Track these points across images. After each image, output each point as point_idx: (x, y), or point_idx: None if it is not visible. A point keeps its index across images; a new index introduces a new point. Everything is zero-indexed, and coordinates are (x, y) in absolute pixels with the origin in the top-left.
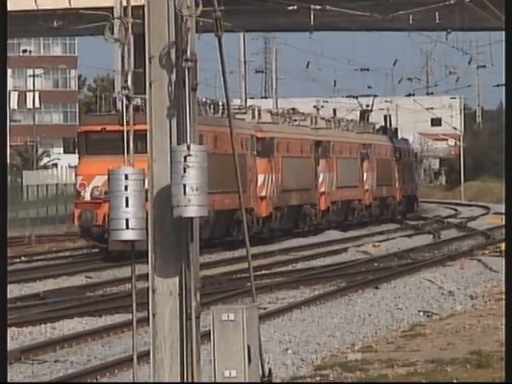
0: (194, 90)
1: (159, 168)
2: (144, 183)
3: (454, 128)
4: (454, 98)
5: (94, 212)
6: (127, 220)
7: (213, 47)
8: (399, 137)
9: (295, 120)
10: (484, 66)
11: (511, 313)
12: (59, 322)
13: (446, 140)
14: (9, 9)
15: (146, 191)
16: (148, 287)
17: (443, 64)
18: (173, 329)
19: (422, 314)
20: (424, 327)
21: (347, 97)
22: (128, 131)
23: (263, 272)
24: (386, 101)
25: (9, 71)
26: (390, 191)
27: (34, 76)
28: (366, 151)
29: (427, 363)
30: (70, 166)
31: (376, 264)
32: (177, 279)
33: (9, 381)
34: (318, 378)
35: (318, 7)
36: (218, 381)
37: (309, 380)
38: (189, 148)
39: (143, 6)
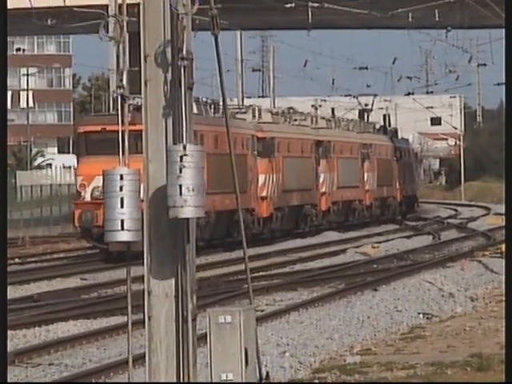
0: (190, 89)
1: (155, 168)
2: (140, 183)
3: (454, 127)
4: (454, 97)
5: (95, 213)
6: (122, 221)
7: (209, 45)
8: (399, 136)
9: (295, 120)
10: (484, 65)
11: (511, 313)
12: (54, 324)
13: (446, 139)
14: None
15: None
16: (143, 289)
17: (443, 62)
18: (169, 331)
19: (421, 316)
20: (424, 329)
21: (346, 96)
22: (123, 131)
23: (260, 274)
24: (385, 100)
25: None
26: (391, 191)
27: (27, 75)
28: (367, 151)
29: (427, 366)
30: (64, 167)
31: (375, 265)
32: (173, 281)
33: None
34: (316, 382)
35: (316, 5)
36: None
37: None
38: (185, 148)
39: (138, 4)
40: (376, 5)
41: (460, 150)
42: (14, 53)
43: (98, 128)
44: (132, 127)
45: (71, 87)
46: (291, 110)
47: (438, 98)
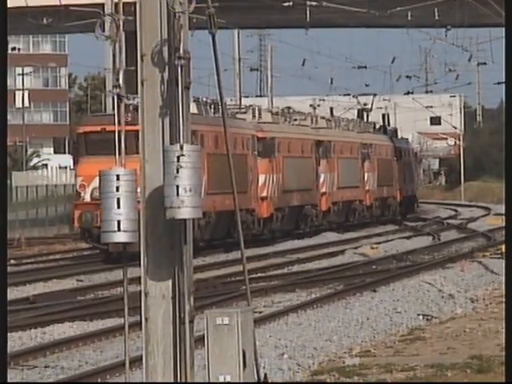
0: (187, 89)
1: (151, 168)
2: (136, 184)
3: (454, 127)
4: (454, 96)
5: (94, 213)
6: (119, 222)
7: (206, 45)
8: (399, 136)
9: (295, 119)
10: (484, 64)
11: (511, 313)
12: (49, 326)
13: (446, 139)
14: None
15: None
16: (140, 291)
17: (443, 61)
18: (166, 333)
19: (421, 317)
20: (423, 331)
21: (344, 95)
22: (120, 131)
23: (258, 275)
24: (384, 99)
25: None
26: (391, 192)
27: (23, 74)
28: (367, 151)
29: (427, 368)
30: (60, 167)
31: (374, 266)
32: (170, 282)
33: None
34: (312, 382)
35: (314, 3)
36: None
37: None
38: (182, 148)
39: (135, 3)
40: (375, 3)
41: (460, 149)
42: (9, 52)
43: (98, 128)
44: (132, 127)
45: (67, 87)
46: (291, 110)
47: (438, 97)
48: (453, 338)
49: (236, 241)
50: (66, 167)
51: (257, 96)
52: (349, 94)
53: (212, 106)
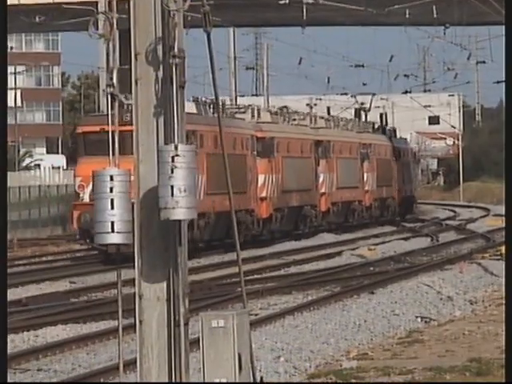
0: (182, 88)
1: (146, 169)
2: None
3: (453, 126)
4: (453, 96)
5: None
6: (113, 223)
7: (201, 43)
8: (398, 136)
9: (294, 119)
10: (483, 62)
11: (511, 313)
12: (42, 329)
13: (445, 139)
14: None
15: None
16: (134, 293)
17: (441, 60)
18: (160, 336)
19: (419, 319)
20: (422, 333)
21: (342, 94)
22: (114, 131)
23: (254, 276)
24: (381, 98)
25: None
26: (390, 192)
27: (15, 73)
28: (366, 151)
29: (425, 371)
30: (53, 167)
31: (372, 268)
32: (164, 284)
33: None
34: (307, 382)
35: (310, 1)
36: None
37: None
38: (176, 148)
39: (129, 1)
40: (372, 1)
41: (458, 149)
42: None
43: (97, 128)
44: (130, 127)
45: (60, 86)
46: (290, 110)
47: (436, 96)
48: (451, 341)
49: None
50: (58, 167)
51: (252, 95)
52: (346, 94)
53: (211, 106)
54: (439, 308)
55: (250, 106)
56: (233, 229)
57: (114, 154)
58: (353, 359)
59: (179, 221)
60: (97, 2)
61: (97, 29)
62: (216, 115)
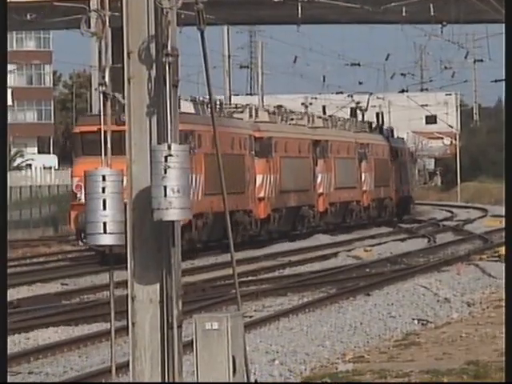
0: (175, 87)
1: (138, 169)
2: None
3: (450, 126)
4: (450, 95)
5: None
6: (105, 224)
7: (195, 41)
8: (395, 136)
9: (292, 119)
10: (481, 61)
11: (511, 313)
12: (33, 331)
13: (442, 138)
14: None
15: None
16: (127, 294)
17: (438, 58)
18: (153, 339)
19: (416, 322)
20: (418, 336)
21: (337, 93)
22: (106, 131)
23: (249, 278)
24: (378, 97)
25: None
26: (388, 192)
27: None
28: (364, 151)
29: (422, 374)
30: (44, 167)
31: (368, 269)
32: (157, 286)
33: None
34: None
35: None
36: None
37: None
38: (170, 148)
39: None
40: None
41: (456, 149)
42: None
43: (94, 128)
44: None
45: (52, 85)
46: (286, 109)
47: (433, 95)
48: (449, 343)
49: (234, 242)
50: (50, 167)
51: (247, 94)
52: (342, 93)
53: (209, 106)
54: (436, 310)
55: (247, 105)
56: (227, 230)
57: (106, 154)
58: (348, 362)
59: (172, 222)
60: (89, 0)
61: (89, 27)
62: (215, 115)
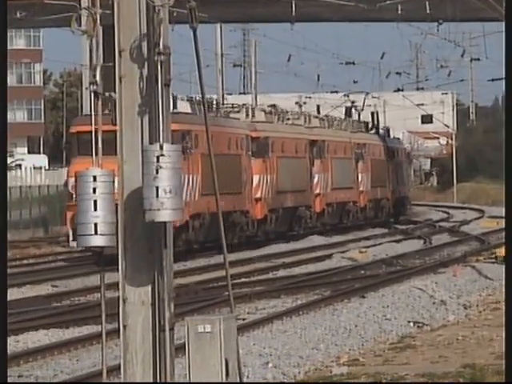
0: (167, 86)
1: (130, 169)
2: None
3: (446, 125)
4: (446, 94)
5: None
6: (96, 225)
7: (187, 39)
8: (391, 136)
9: (288, 119)
10: (478, 59)
11: (511, 312)
12: (23, 334)
13: (438, 138)
14: None
15: None
16: (118, 296)
17: (434, 57)
18: (145, 341)
19: (411, 324)
20: (414, 339)
21: (332, 92)
22: (97, 130)
23: (242, 280)
24: (373, 97)
25: None
26: (384, 193)
27: None
28: (361, 151)
29: (417, 377)
30: (34, 167)
31: (363, 271)
32: (149, 288)
33: None
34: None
35: None
36: None
37: None
38: (161, 148)
39: None
40: None
41: (452, 149)
42: None
43: (91, 128)
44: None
45: (42, 84)
46: (280, 108)
47: (429, 94)
48: (445, 346)
49: (230, 243)
50: (40, 167)
51: (240, 93)
52: (336, 92)
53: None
54: (432, 312)
55: (244, 105)
56: (220, 231)
57: (97, 154)
58: (343, 365)
59: (164, 222)
60: None
61: (80, 25)
62: (211, 114)
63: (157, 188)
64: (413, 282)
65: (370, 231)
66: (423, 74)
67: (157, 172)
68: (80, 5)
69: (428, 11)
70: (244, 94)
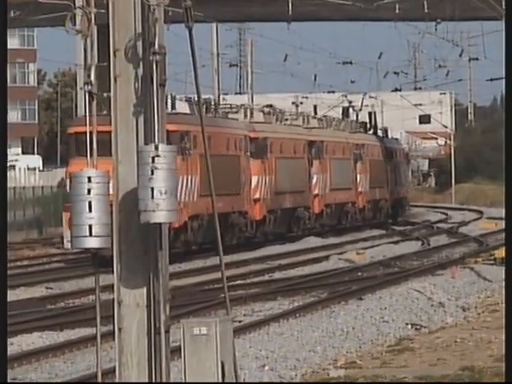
0: (163, 86)
1: (125, 170)
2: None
3: (444, 126)
4: (444, 94)
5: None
6: (90, 226)
7: (183, 39)
8: (389, 136)
9: (286, 119)
10: (476, 59)
11: (511, 311)
12: (17, 336)
13: (436, 139)
14: None
15: None
16: (113, 299)
17: (432, 57)
18: (140, 344)
19: (409, 326)
20: (412, 341)
21: (329, 92)
22: (91, 131)
23: (238, 282)
24: (370, 97)
25: None
26: (383, 194)
27: None
28: (359, 152)
29: (415, 380)
30: (28, 168)
31: (360, 273)
32: (144, 290)
33: None
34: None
35: None
36: None
37: None
38: (157, 148)
39: None
40: None
41: (450, 149)
42: None
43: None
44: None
45: (36, 84)
46: (276, 109)
47: (427, 94)
48: (443, 349)
49: (230, 244)
50: (34, 168)
51: (236, 93)
52: (333, 92)
53: (204, 106)
54: (430, 315)
55: (242, 105)
56: (215, 233)
57: (92, 155)
58: (340, 368)
59: (160, 224)
60: None
61: (74, 24)
62: (209, 115)
63: (152, 189)
64: (411, 284)
65: (367, 232)
66: (421, 73)
67: (152, 173)
68: (74, 4)
69: (426, 10)
70: (240, 94)
